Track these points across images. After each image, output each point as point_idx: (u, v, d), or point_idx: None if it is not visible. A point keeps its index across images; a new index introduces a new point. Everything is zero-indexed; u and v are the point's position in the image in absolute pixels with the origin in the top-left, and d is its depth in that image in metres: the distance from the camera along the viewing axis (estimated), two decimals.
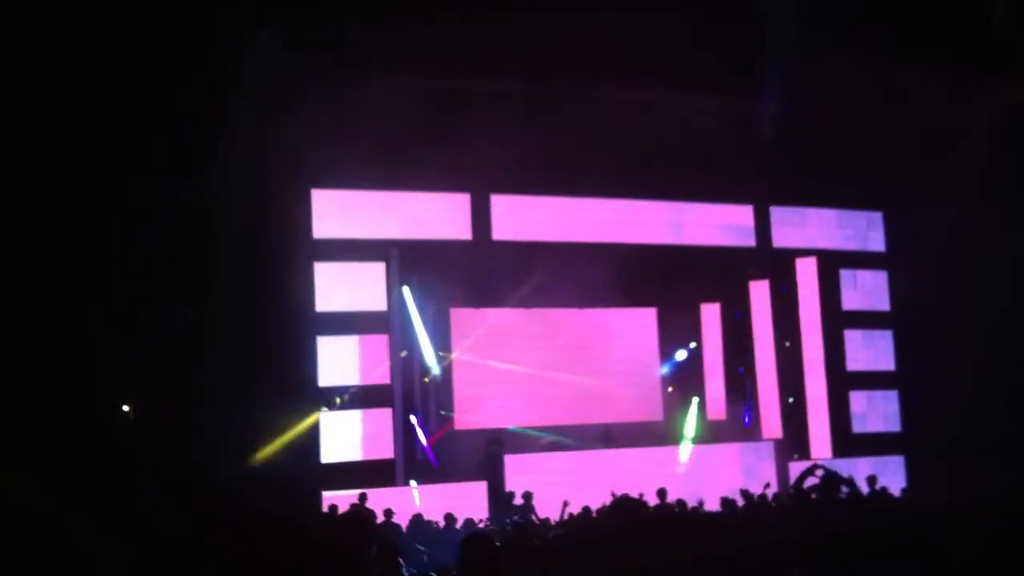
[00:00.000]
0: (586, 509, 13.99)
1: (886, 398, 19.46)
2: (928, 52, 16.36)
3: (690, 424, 19.40)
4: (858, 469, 15.71)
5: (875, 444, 19.01)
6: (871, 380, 19.42)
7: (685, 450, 18.25)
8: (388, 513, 13.48)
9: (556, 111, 16.80)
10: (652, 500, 13.89)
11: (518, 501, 14.77)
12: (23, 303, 13.11)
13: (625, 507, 13.20)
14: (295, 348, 15.24)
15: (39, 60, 12.91)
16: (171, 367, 14.00)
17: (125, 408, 14.51)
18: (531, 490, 14.75)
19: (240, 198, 14.61)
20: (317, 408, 15.32)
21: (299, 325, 15.35)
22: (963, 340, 18.17)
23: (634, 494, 13.56)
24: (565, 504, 13.78)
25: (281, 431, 14.86)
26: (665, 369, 20.46)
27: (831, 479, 11.34)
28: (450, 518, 13.15)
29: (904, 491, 16.21)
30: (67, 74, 13.07)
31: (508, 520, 14.33)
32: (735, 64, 16.32)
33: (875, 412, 19.32)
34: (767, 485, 14.52)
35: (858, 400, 19.24)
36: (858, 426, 19.11)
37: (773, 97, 16.88)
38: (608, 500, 13.64)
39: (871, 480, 13.26)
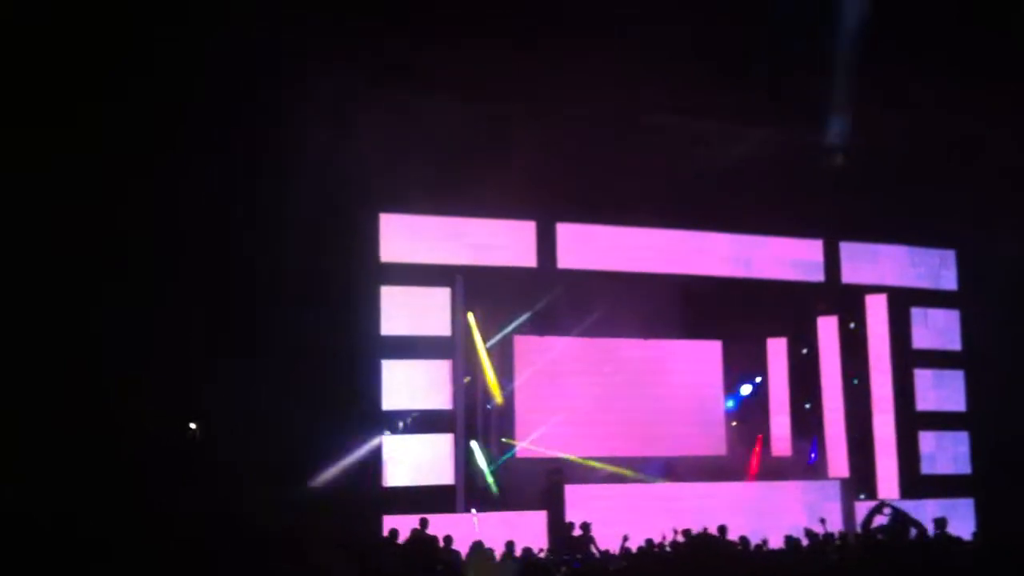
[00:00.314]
0: (648, 542, 13.88)
1: (956, 439, 19.03)
2: (999, 93, 16.13)
3: (754, 460, 19.14)
4: (926, 511, 15.39)
5: (944, 486, 18.56)
6: (941, 420, 19.01)
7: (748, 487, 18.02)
8: (448, 540, 13.43)
9: (625, 139, 16.82)
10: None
11: (577, 532, 14.62)
12: (89, 321, 13.36)
13: (699, 543, 13.09)
14: (360, 371, 15.29)
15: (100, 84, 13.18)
16: (240, 388, 14.08)
17: (192, 426, 14.65)
18: (590, 521, 14.59)
19: (309, 220, 14.77)
20: (380, 431, 15.31)
21: (365, 348, 15.42)
22: None
23: (695, 529, 13.54)
24: (625, 538, 13.66)
25: (345, 453, 14.91)
26: (730, 403, 20.19)
27: (899, 519, 11.08)
28: (510, 546, 13.05)
29: (974, 535, 15.82)
30: (139, 100, 13.35)
31: (567, 552, 14.25)
32: (804, 97, 16.24)
33: (944, 453, 18.89)
34: (823, 520, 14.21)
35: (927, 440, 18.83)
36: (927, 467, 18.70)
37: (840, 130, 16.73)
38: (669, 535, 13.55)
39: (940, 523, 12.88)
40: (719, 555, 13.19)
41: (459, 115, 15.57)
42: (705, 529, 13.76)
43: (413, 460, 15.51)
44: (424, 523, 13.81)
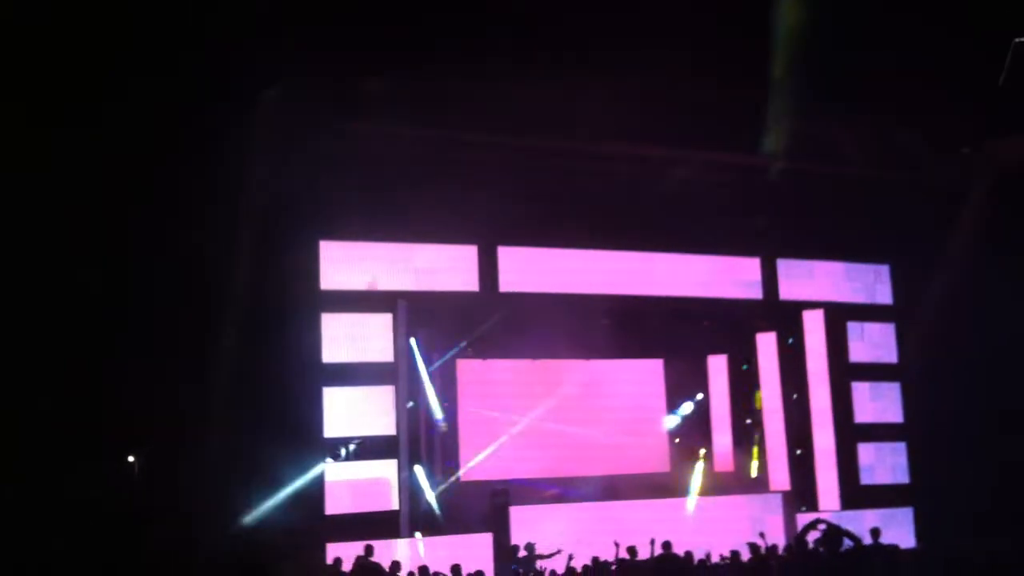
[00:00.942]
0: (594, 560, 14.01)
1: (894, 450, 19.39)
2: (926, 113, 16.59)
3: (697, 476, 19.31)
4: (866, 521, 15.73)
5: (883, 496, 18.92)
6: (879, 432, 19.37)
7: (692, 502, 18.18)
8: (396, 566, 13.48)
9: (563, 164, 17.03)
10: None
11: (522, 553, 14.74)
12: (27, 353, 13.27)
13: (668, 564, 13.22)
14: (302, 399, 15.26)
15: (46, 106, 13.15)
16: (177, 418, 14.05)
17: (130, 459, 14.57)
18: (534, 541, 14.71)
19: (248, 249, 14.80)
20: (322, 459, 15.30)
21: (306, 376, 15.39)
22: (970, 392, 18.19)
23: (641, 545, 13.70)
24: (570, 557, 13.80)
25: (286, 482, 14.88)
26: (672, 421, 20.39)
27: (834, 532, 11.33)
28: (456, 570, 13.12)
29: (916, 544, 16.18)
30: (79, 129, 13.32)
31: (513, 572, 14.37)
32: (740, 121, 16.55)
33: (883, 464, 19.24)
34: (761, 534, 14.42)
35: (866, 452, 19.16)
36: (866, 478, 19.03)
37: (774, 150, 17.06)
38: (613, 550, 13.69)
39: (875, 532, 13.18)
40: (674, 571, 13.42)
41: (399, 142, 15.71)
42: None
43: (356, 486, 15.47)
44: (369, 550, 13.82)
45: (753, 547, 14.31)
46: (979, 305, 18.44)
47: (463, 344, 17.98)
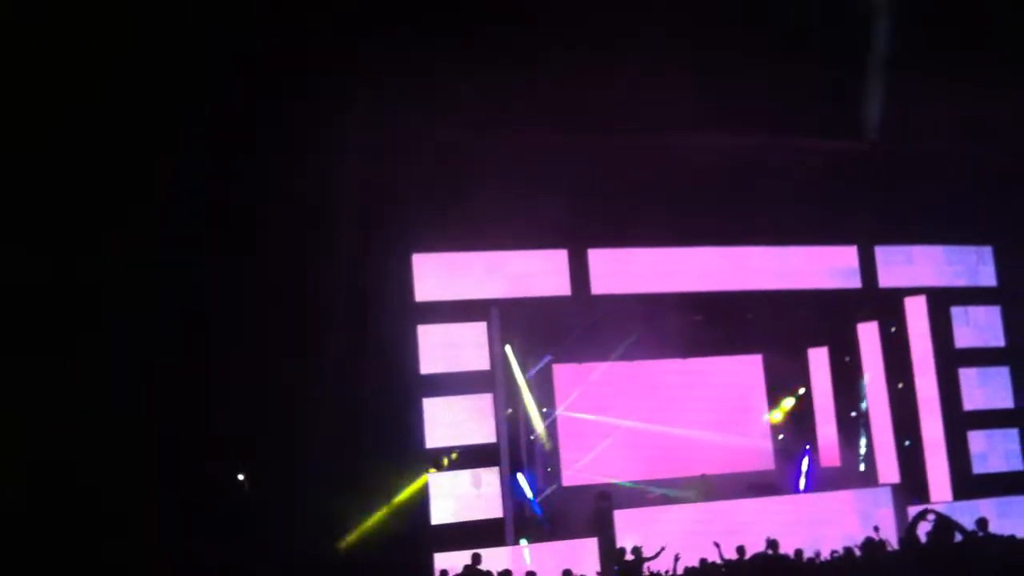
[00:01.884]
0: (702, 562, 13.86)
1: (1006, 436, 18.76)
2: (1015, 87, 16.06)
3: (803, 472, 19.02)
4: (982, 511, 15.26)
5: (998, 484, 18.31)
6: (990, 419, 18.77)
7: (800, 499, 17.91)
8: (505, 574, 13.50)
9: (651, 160, 16.86)
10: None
11: (628, 557, 14.63)
12: (128, 370, 13.60)
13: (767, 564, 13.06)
14: (402, 411, 15.41)
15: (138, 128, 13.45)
16: (280, 435, 14.31)
17: (240, 477, 14.85)
18: (640, 544, 14.60)
19: (344, 264, 15.00)
20: (426, 470, 15.42)
21: (405, 388, 15.55)
22: None
23: (747, 545, 13.51)
24: (676, 558, 13.66)
25: (391, 494, 15.04)
26: (775, 416, 20.10)
27: (944, 523, 11.04)
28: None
29: None
30: (172, 147, 13.62)
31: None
32: (831, 104, 16.23)
33: (995, 451, 18.64)
34: (876, 528, 14.12)
35: (977, 440, 18.60)
36: (979, 466, 18.45)
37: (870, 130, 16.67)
38: (714, 552, 13.53)
39: (982, 523, 12.79)
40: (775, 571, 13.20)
41: (485, 147, 15.77)
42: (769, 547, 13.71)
43: (461, 495, 15.56)
44: (477, 558, 13.89)
45: (868, 542, 14.03)
46: None
47: (558, 348, 17.95)
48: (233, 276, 14.25)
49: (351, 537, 14.76)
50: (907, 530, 12.33)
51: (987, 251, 19.28)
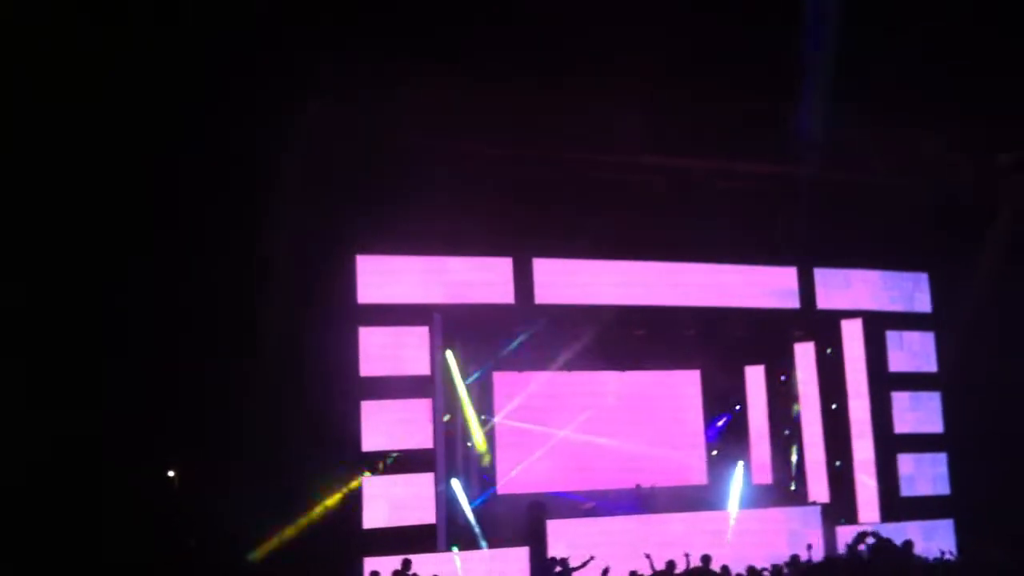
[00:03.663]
0: (632, 574, 13.98)
1: (935, 460, 19.11)
2: (961, 119, 16.49)
3: (735, 489, 19.19)
4: (907, 533, 15.61)
5: (924, 507, 18.66)
6: (919, 442, 19.10)
7: (731, 515, 18.04)
8: None
9: (598, 176, 17.04)
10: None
11: (557, 569, 14.69)
12: (65, 368, 13.42)
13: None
14: (340, 412, 15.32)
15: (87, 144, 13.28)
16: (216, 432, 14.19)
17: (170, 474, 14.70)
18: (568, 555, 14.67)
19: (285, 264, 14.93)
20: (360, 473, 15.35)
21: (344, 389, 15.46)
22: (1012, 400, 17.99)
23: (677, 559, 13.66)
24: (605, 571, 13.77)
25: (325, 496, 14.97)
26: (710, 432, 20.34)
27: (883, 544, 11.32)
28: None
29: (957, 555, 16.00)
30: (117, 152, 13.48)
31: None
32: (775, 130, 16.49)
33: (924, 475, 18.98)
34: (809, 547, 14.36)
35: (906, 462, 18.92)
36: (907, 489, 18.77)
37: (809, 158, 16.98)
38: (645, 565, 13.66)
39: (907, 545, 13.12)
40: None
41: (433, 154, 15.78)
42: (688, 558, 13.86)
43: (393, 500, 15.50)
44: (407, 564, 13.93)
45: (794, 559, 14.28)
46: (1019, 312, 18.26)
47: (499, 356, 17.98)
48: (172, 276, 14.10)
49: (280, 538, 14.66)
50: (849, 547, 12.67)
51: (923, 278, 19.64)
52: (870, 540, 11.49)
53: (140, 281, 13.91)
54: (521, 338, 17.79)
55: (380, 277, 16.04)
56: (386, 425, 15.63)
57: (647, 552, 13.78)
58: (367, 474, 15.39)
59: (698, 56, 15.07)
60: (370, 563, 14.22)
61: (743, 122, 16.23)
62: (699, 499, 19.18)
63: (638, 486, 18.91)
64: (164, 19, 12.58)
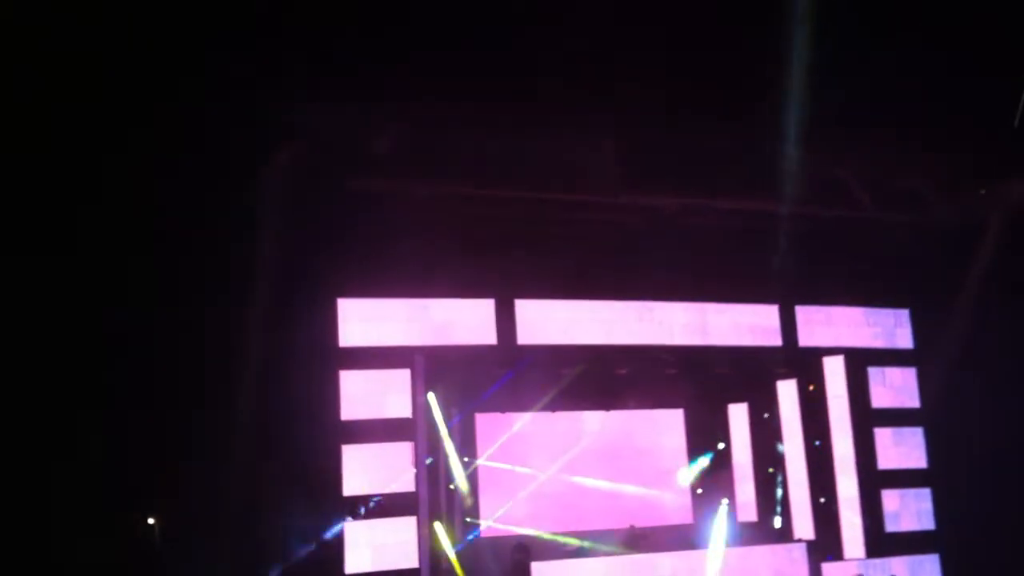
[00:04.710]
0: None
1: (919, 496, 19.10)
2: (939, 154, 16.66)
3: (720, 527, 19.14)
4: (893, 569, 15.59)
5: (909, 543, 18.63)
6: (903, 478, 19.10)
7: (716, 554, 17.98)
8: None
9: (578, 216, 17.12)
10: None
11: None
12: (37, 411, 13.35)
13: None
14: (321, 457, 15.27)
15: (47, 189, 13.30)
16: (196, 479, 14.11)
17: (150, 521, 14.61)
18: None
19: (265, 309, 14.90)
20: (342, 518, 15.28)
21: (325, 434, 15.42)
22: (995, 434, 18.02)
23: None
24: None
25: (306, 541, 14.88)
26: (686, 475, 20.32)
27: None
28: None
29: None
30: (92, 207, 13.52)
31: None
32: (753, 168, 16.61)
33: (908, 510, 18.96)
34: None
35: (891, 498, 18.91)
36: (891, 525, 18.72)
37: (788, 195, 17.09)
38: None
39: None
40: None
41: (411, 197, 15.85)
42: None
43: (376, 544, 15.39)
44: None
45: None
46: (1000, 346, 18.33)
47: (481, 398, 17.98)
48: (150, 322, 14.08)
49: None
50: None
51: (904, 314, 19.72)
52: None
53: (117, 329, 13.87)
54: (504, 380, 17.76)
55: (361, 320, 16.00)
56: (368, 469, 15.55)
57: None
58: (349, 519, 15.31)
59: (674, 92, 15.21)
60: None
61: (720, 158, 16.35)
62: (685, 538, 19.12)
63: (632, 526, 18.87)
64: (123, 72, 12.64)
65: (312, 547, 14.95)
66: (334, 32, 13.45)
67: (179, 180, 13.77)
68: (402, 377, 16.19)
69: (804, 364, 19.52)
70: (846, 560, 18.15)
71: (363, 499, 15.45)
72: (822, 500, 19.08)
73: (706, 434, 20.60)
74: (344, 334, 15.88)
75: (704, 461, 20.39)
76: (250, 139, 14.05)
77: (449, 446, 17.57)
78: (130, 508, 14.30)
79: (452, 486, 17.91)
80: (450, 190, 16.05)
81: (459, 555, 17.08)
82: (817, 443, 19.32)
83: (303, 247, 14.95)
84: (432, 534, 16.59)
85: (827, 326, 19.14)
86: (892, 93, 15.77)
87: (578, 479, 19.09)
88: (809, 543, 18.58)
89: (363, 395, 15.79)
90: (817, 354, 19.33)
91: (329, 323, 15.79)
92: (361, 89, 14.02)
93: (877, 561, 17.62)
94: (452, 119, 14.82)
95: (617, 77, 14.62)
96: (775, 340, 18.77)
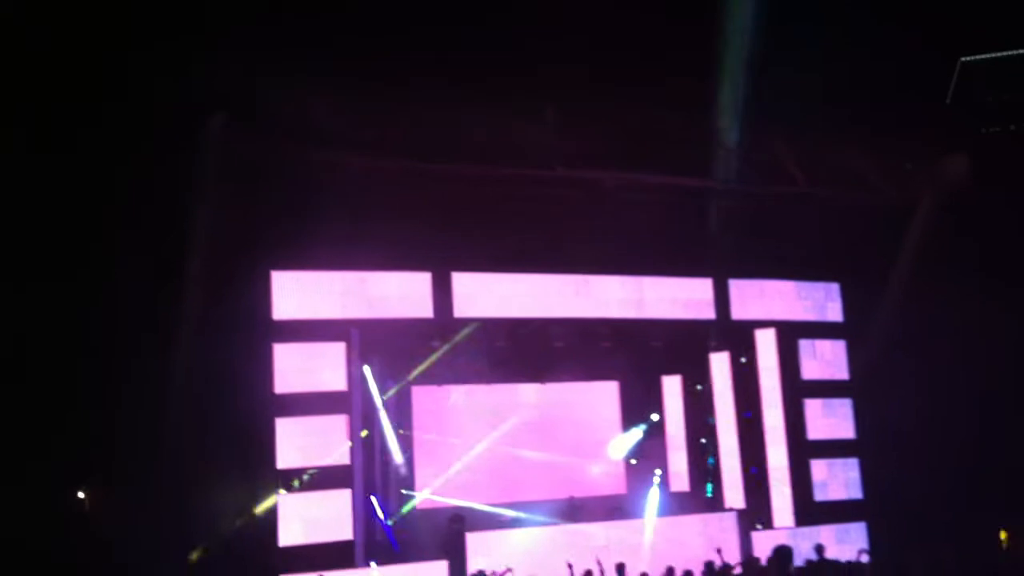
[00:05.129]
0: None
1: (847, 465, 19.55)
2: (871, 131, 16.93)
3: (653, 497, 19.40)
4: (820, 538, 15.96)
5: (837, 512, 19.09)
6: (832, 448, 19.53)
7: (649, 523, 18.23)
8: None
9: (515, 190, 17.15)
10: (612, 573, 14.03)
11: None
12: None
13: None
14: (254, 429, 15.21)
15: None
16: (127, 450, 14.02)
17: (80, 495, 14.49)
18: (484, 568, 14.74)
19: (198, 280, 14.81)
20: (275, 490, 15.26)
21: (258, 406, 15.34)
22: (921, 405, 18.44)
23: (596, 569, 13.81)
24: (508, 570, 13.99)
25: (240, 514, 14.86)
26: (617, 447, 20.55)
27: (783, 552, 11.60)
28: None
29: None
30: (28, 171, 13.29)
31: None
32: (690, 144, 16.77)
33: (836, 480, 19.39)
34: (718, 551, 14.66)
35: (819, 468, 19.33)
36: (820, 494, 19.17)
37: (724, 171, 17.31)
38: (567, 573, 13.78)
39: (819, 549, 13.46)
40: None
41: (349, 169, 15.77)
42: (603, 571, 13.98)
43: (310, 517, 15.40)
44: None
45: (709, 565, 14.48)
46: (927, 320, 18.74)
47: (417, 370, 17.99)
48: (82, 293, 13.92)
49: (195, 555, 14.54)
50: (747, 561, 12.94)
51: (834, 288, 20.08)
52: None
53: (46, 300, 13.69)
54: (440, 352, 17.78)
55: (296, 293, 15.91)
56: (302, 442, 15.52)
57: (569, 562, 13.89)
58: (282, 491, 15.29)
59: (613, 68, 15.30)
60: None
61: (658, 134, 16.48)
62: (619, 508, 19.35)
63: (571, 498, 19.04)
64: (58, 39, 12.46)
65: (245, 520, 14.91)
66: (272, 3, 13.38)
67: (112, 150, 13.59)
68: (337, 350, 16.15)
69: (737, 337, 19.83)
70: (776, 528, 18.52)
71: (297, 472, 15.44)
72: (753, 470, 19.43)
73: (640, 406, 20.84)
74: (278, 307, 15.76)
75: (638, 432, 20.61)
76: (185, 110, 13.91)
77: (385, 419, 17.57)
78: (60, 482, 14.18)
79: (387, 459, 17.91)
80: (387, 163, 15.99)
81: (394, 527, 17.14)
82: (748, 414, 19.67)
83: (237, 218, 14.79)
84: (367, 506, 16.61)
85: (760, 299, 19.42)
86: (827, 71, 16.07)
87: (514, 451, 19.22)
88: (740, 512, 18.92)
89: (297, 368, 15.71)
90: (749, 327, 19.65)
91: (263, 295, 15.67)
92: (298, 61, 13.94)
93: (805, 530, 17.96)
94: (390, 92, 14.77)
95: (556, 53, 14.70)
96: (709, 313, 19.01)
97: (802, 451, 19.26)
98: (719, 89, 16.09)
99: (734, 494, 19.60)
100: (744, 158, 17.26)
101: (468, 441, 18.95)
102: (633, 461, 20.63)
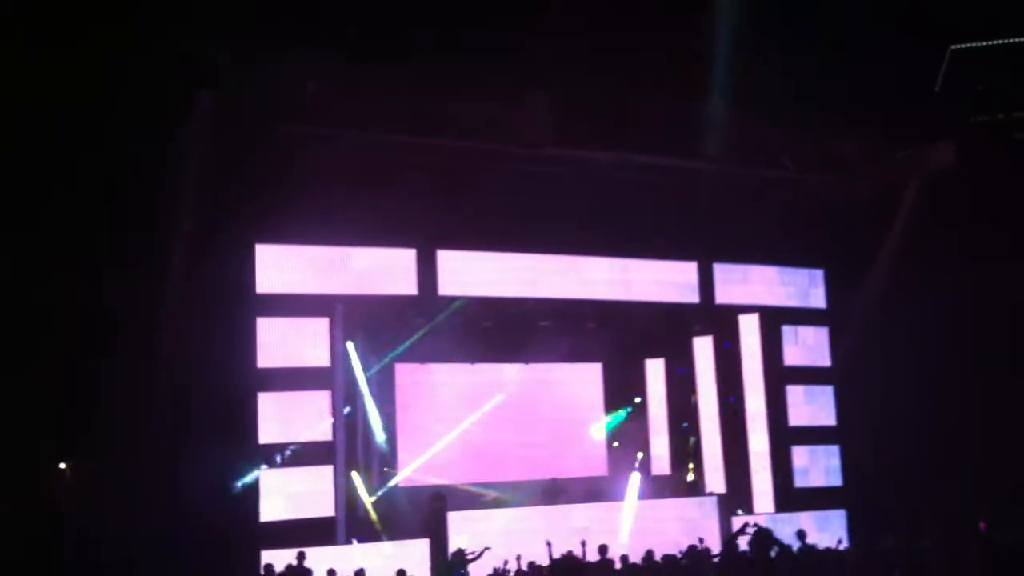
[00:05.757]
0: (531, 565, 14.07)
1: (828, 452, 19.60)
2: (858, 117, 16.95)
3: (634, 480, 19.36)
4: (800, 523, 15.93)
5: (817, 498, 19.13)
6: (813, 435, 19.57)
7: (630, 506, 18.18)
8: (331, 573, 13.46)
9: (501, 168, 17.06)
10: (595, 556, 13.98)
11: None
12: None
13: (566, 566, 13.40)
14: (237, 404, 15.05)
15: None
16: (110, 424, 13.86)
17: (62, 466, 14.33)
18: (464, 547, 14.68)
19: (183, 253, 14.65)
20: (258, 465, 15.12)
21: (241, 381, 15.19)
22: (902, 393, 18.52)
23: (577, 549, 13.75)
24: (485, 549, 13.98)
25: (221, 489, 14.71)
26: (609, 424, 20.53)
27: (762, 536, 11.54)
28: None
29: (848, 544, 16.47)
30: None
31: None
32: (677, 126, 16.71)
33: (817, 466, 19.45)
34: (701, 540, 14.64)
35: (800, 454, 19.36)
36: (800, 480, 19.22)
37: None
38: (544, 552, 13.72)
39: (800, 535, 13.45)
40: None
41: (336, 145, 15.62)
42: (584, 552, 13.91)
43: (292, 493, 15.29)
44: (301, 557, 13.82)
45: (691, 550, 14.50)
46: (909, 308, 18.80)
47: (401, 348, 17.87)
48: (68, 269, 13.76)
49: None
50: (727, 542, 12.91)
51: (818, 274, 20.11)
52: (750, 530, 11.79)
53: (34, 274, 13.52)
54: (424, 330, 17.66)
55: (280, 267, 15.73)
56: (284, 417, 15.40)
57: (547, 540, 13.82)
58: (264, 467, 15.15)
59: (604, 48, 15.22)
60: (267, 556, 14.05)
61: (648, 116, 16.41)
62: (600, 490, 19.32)
63: (554, 479, 18.97)
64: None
65: (227, 495, 14.77)
66: None
67: (99, 126, 13.42)
68: (321, 326, 16.04)
69: (720, 321, 19.79)
70: (755, 514, 18.53)
71: (279, 447, 15.33)
72: (734, 455, 19.41)
73: (623, 388, 20.78)
74: (262, 281, 15.56)
75: (620, 415, 20.58)
76: (172, 85, 13.73)
77: (368, 396, 17.44)
78: (43, 455, 14.03)
79: (370, 436, 17.76)
80: (375, 138, 15.85)
81: (376, 504, 17.04)
82: (731, 399, 19.63)
83: (222, 192, 14.64)
84: (349, 483, 16.50)
85: (743, 284, 19.43)
86: (818, 58, 16.06)
87: (496, 431, 19.13)
88: (720, 496, 18.89)
89: (281, 343, 15.58)
90: (733, 311, 19.63)
91: (247, 269, 15.47)
92: (284, 38, 13.78)
93: (785, 516, 17.95)
94: (379, 68, 14.63)
95: (546, 31, 14.60)
96: (693, 297, 18.98)
97: (784, 437, 19.30)
98: (712, 72, 16.02)
99: (715, 478, 19.57)
100: (731, 140, 17.19)
101: (451, 420, 18.82)
102: (615, 444, 20.59)
